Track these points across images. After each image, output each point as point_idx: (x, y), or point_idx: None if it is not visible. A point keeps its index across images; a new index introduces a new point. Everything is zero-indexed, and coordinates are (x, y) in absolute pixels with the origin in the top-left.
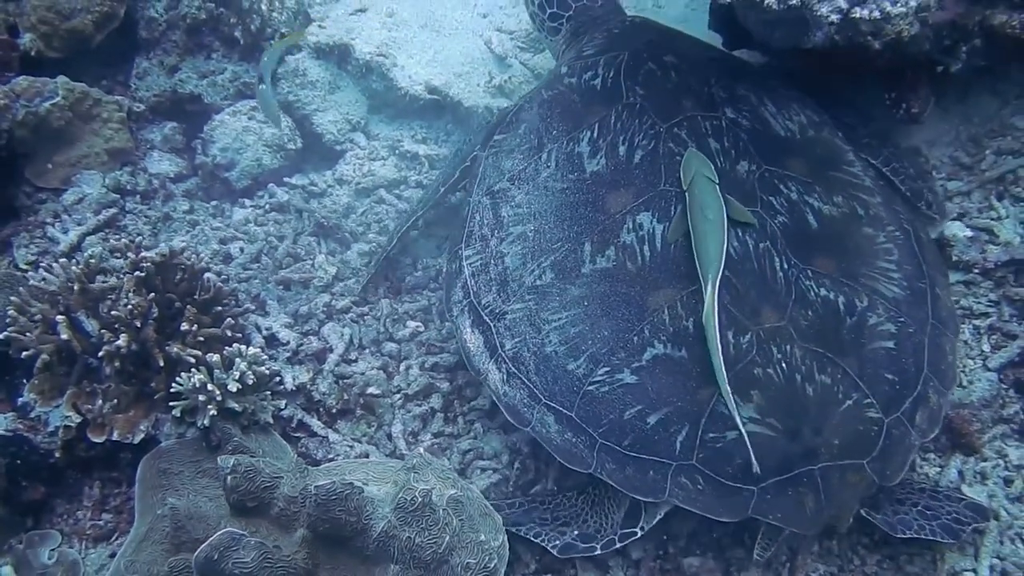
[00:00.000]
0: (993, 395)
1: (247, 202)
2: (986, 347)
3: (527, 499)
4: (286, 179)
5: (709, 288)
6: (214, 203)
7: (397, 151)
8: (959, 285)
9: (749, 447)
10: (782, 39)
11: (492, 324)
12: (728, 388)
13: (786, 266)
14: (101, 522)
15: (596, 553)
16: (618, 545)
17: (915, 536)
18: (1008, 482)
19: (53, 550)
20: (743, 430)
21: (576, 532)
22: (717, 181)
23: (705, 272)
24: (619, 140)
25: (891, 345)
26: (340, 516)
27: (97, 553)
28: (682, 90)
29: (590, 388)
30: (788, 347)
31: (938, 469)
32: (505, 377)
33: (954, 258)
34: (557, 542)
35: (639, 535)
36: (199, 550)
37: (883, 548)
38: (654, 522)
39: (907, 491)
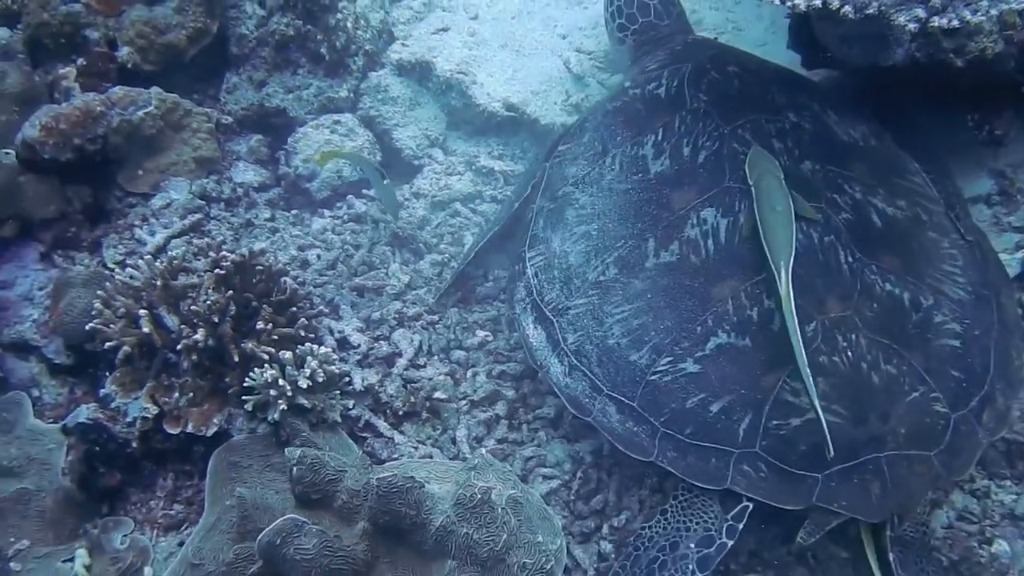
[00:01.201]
0: None
1: (326, 212)
2: None
3: (623, 558)
4: (365, 191)
5: (783, 275)
6: (294, 212)
7: (473, 166)
8: None
9: (826, 431)
10: (861, 56)
11: (555, 320)
12: (808, 372)
13: (851, 259)
14: (172, 512)
15: (728, 546)
16: (740, 526)
17: None
18: None
19: (125, 536)
20: (821, 415)
21: (693, 544)
22: (782, 176)
23: (777, 261)
24: (683, 142)
25: (957, 344)
26: (400, 509)
27: (167, 541)
28: (744, 96)
29: (652, 378)
30: (853, 336)
31: (1014, 496)
32: (567, 370)
33: None
34: (691, 566)
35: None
36: (262, 534)
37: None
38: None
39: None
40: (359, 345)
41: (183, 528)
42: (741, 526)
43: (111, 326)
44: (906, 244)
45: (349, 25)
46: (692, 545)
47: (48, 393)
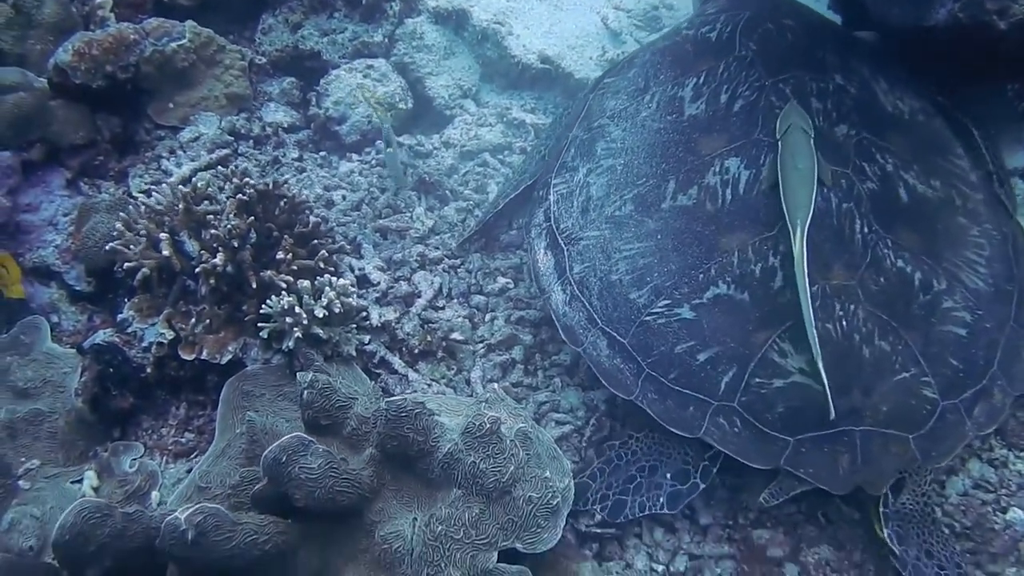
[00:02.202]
0: None
1: (354, 156)
2: None
3: (603, 461)
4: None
5: (798, 234)
6: (322, 154)
7: (505, 118)
8: None
9: (828, 393)
10: (901, 16)
11: (566, 248)
12: (815, 333)
13: (866, 230)
14: (183, 440)
15: (700, 488)
16: (714, 469)
17: None
18: None
19: (135, 460)
20: (824, 377)
21: (669, 475)
22: (812, 135)
23: (794, 219)
24: (723, 89)
25: (963, 333)
26: (408, 434)
27: (176, 468)
28: (795, 50)
29: (647, 319)
30: (852, 306)
31: None
32: (568, 299)
33: None
34: (661, 499)
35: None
36: (268, 450)
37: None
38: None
39: (944, 550)
40: (379, 283)
41: (193, 456)
42: (715, 469)
43: (131, 248)
44: (930, 224)
45: None
46: (668, 475)
47: (67, 319)
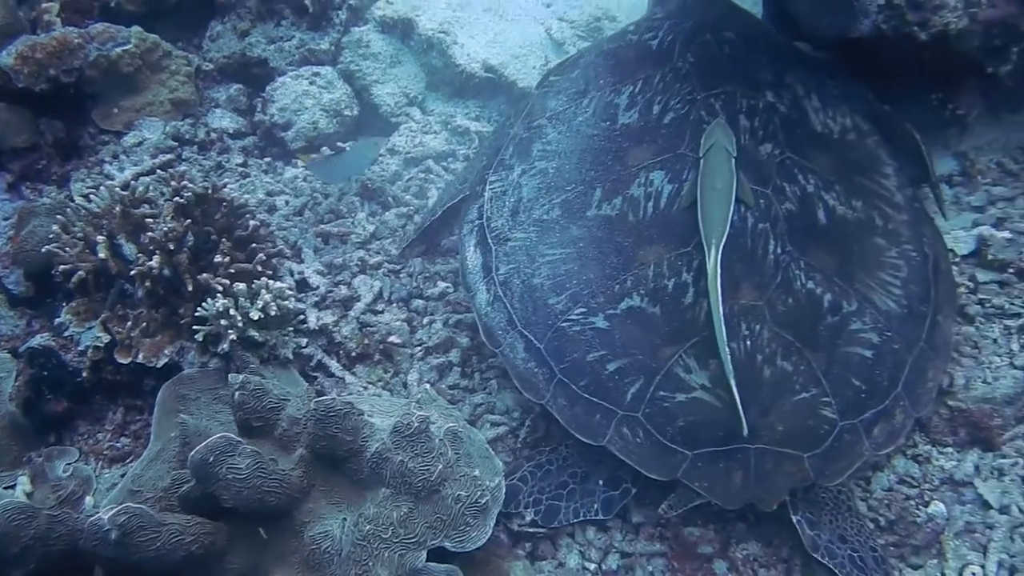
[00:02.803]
0: (1018, 392)
1: (299, 162)
2: (1015, 346)
3: (534, 464)
4: (339, 143)
5: (713, 252)
6: (267, 160)
7: (449, 126)
8: (993, 284)
9: (741, 409)
10: (829, 27)
11: (494, 247)
12: (727, 351)
13: (779, 251)
14: (119, 444)
15: (632, 493)
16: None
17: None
18: None
19: (69, 464)
20: (736, 393)
21: (601, 481)
22: (735, 155)
23: (709, 237)
24: (656, 99)
25: (868, 354)
26: (336, 434)
27: (111, 473)
28: (731, 65)
29: (563, 325)
30: (757, 326)
31: (955, 462)
32: (492, 299)
33: (989, 257)
34: (595, 506)
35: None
36: (195, 451)
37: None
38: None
39: (857, 534)
40: (318, 287)
41: (128, 460)
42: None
43: (68, 251)
44: (846, 246)
45: None
46: (600, 482)
47: (5, 324)
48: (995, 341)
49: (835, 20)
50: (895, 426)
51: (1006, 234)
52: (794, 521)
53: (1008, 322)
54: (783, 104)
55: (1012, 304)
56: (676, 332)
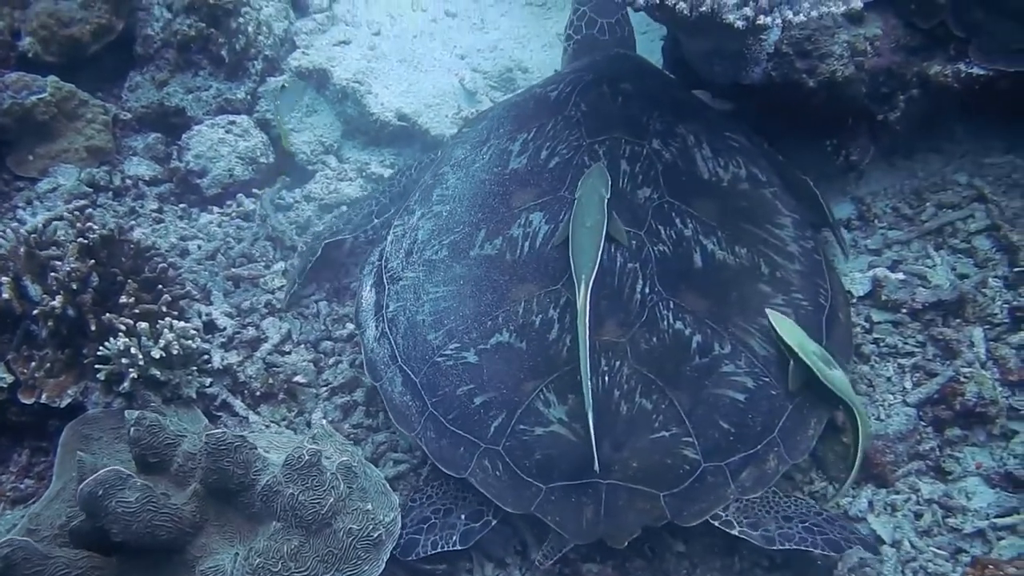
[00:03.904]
0: (910, 430)
1: (215, 209)
2: (908, 384)
3: (402, 504)
4: (255, 190)
5: (581, 290)
6: (183, 207)
7: (364, 173)
8: (886, 324)
9: (595, 445)
10: (722, 74)
11: (388, 286)
12: (589, 386)
13: (647, 291)
14: (23, 486)
15: (492, 525)
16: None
17: (796, 548)
18: (917, 516)
19: None
20: (592, 430)
21: (463, 515)
22: (607, 196)
23: (578, 275)
24: (545, 145)
25: (740, 398)
26: (228, 467)
27: (12, 515)
28: (619, 114)
29: (438, 359)
30: (617, 363)
31: (849, 499)
32: (378, 335)
33: (883, 298)
34: (455, 537)
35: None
36: (83, 483)
37: (784, 571)
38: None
39: (798, 509)
40: (225, 328)
41: (31, 502)
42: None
43: None
44: (723, 291)
45: (250, 29)
46: (463, 516)
47: None
48: (889, 379)
49: (727, 68)
50: (766, 471)
51: (900, 276)
52: (738, 534)
53: (902, 360)
54: (669, 151)
55: (905, 343)
56: (540, 367)
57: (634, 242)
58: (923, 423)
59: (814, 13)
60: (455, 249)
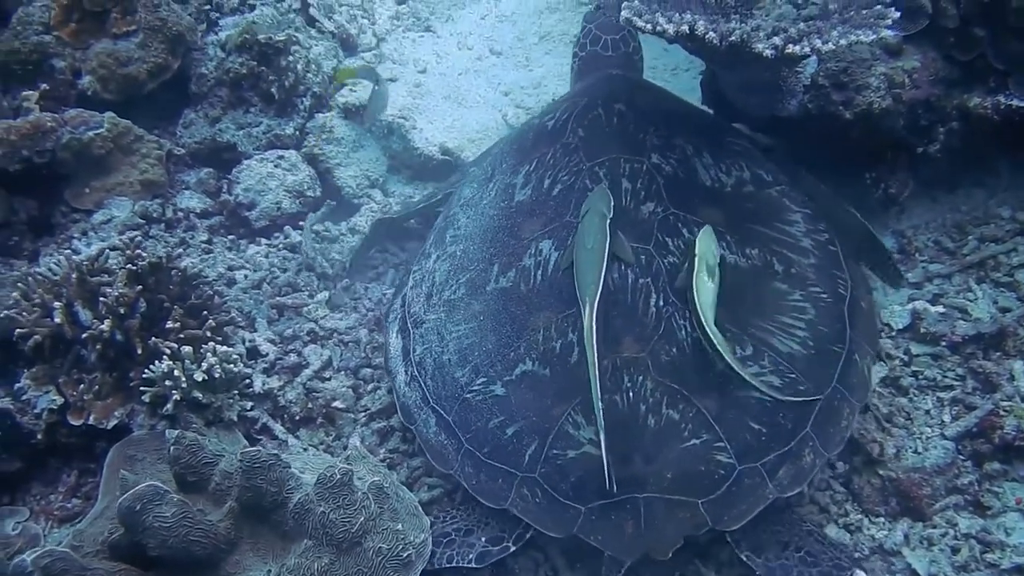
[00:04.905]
0: (948, 463)
1: (263, 240)
2: (947, 417)
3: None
4: (301, 223)
5: (587, 311)
6: (231, 238)
7: None
8: (926, 357)
9: (606, 465)
10: (759, 107)
11: (412, 331)
12: (600, 406)
13: (661, 303)
14: (70, 505)
15: (511, 551)
16: (527, 535)
17: None
18: (955, 551)
19: (19, 523)
20: (604, 449)
21: (484, 539)
22: (610, 216)
23: (583, 297)
24: (547, 174)
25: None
26: (262, 485)
27: (60, 532)
28: (616, 135)
29: (468, 396)
30: (640, 378)
31: (886, 532)
32: (409, 379)
33: (923, 331)
34: (471, 556)
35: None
36: (122, 498)
37: None
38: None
39: (794, 532)
40: (267, 354)
41: (77, 520)
42: (529, 535)
43: (25, 315)
44: (738, 293)
45: (299, 67)
46: (483, 538)
47: None
48: (927, 412)
49: (763, 100)
50: (803, 467)
51: (940, 309)
52: (744, 558)
53: (941, 394)
54: (669, 164)
55: (945, 376)
56: (565, 391)
57: (643, 257)
58: (962, 457)
59: (843, 42)
60: (472, 286)
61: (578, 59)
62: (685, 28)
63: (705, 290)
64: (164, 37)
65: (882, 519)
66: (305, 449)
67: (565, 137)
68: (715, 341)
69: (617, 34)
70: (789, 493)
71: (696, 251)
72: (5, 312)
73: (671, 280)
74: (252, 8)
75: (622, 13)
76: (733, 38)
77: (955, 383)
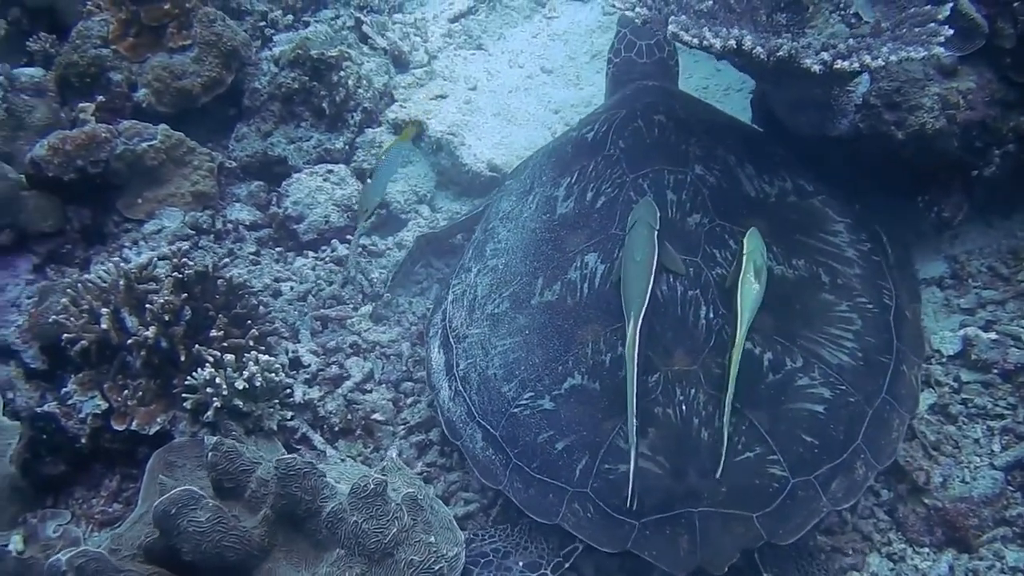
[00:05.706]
0: (996, 494)
1: (310, 253)
2: (996, 447)
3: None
4: (349, 236)
5: (631, 325)
6: (279, 250)
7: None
8: (976, 384)
9: (631, 480)
10: (809, 126)
11: (455, 346)
12: (635, 422)
13: (711, 315)
14: (111, 509)
15: None
16: (566, 565)
17: None
18: None
19: (60, 525)
20: (632, 463)
21: (521, 563)
22: (657, 228)
23: (628, 309)
24: (589, 187)
25: (820, 409)
26: (296, 492)
27: (100, 536)
28: (658, 146)
29: (515, 410)
30: (693, 391)
31: (930, 563)
32: (453, 394)
33: (974, 357)
34: None
35: (580, 549)
36: (158, 502)
37: None
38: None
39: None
40: (310, 365)
41: (117, 525)
42: (568, 565)
43: (73, 321)
44: (787, 304)
45: (350, 83)
46: (521, 563)
47: (21, 396)
48: (976, 441)
49: (813, 119)
50: (855, 480)
51: (991, 335)
52: None
53: (991, 423)
54: (712, 175)
55: (996, 405)
56: (616, 405)
57: (691, 269)
58: (1011, 488)
59: (893, 58)
60: (516, 300)
61: (613, 65)
62: (732, 43)
63: (749, 291)
64: (219, 52)
65: (927, 549)
66: (343, 460)
67: (606, 149)
68: (739, 342)
69: (652, 39)
70: (843, 506)
71: (744, 250)
72: (54, 317)
73: (720, 292)
74: (306, 25)
75: (669, 27)
76: (781, 53)
77: (1006, 412)
